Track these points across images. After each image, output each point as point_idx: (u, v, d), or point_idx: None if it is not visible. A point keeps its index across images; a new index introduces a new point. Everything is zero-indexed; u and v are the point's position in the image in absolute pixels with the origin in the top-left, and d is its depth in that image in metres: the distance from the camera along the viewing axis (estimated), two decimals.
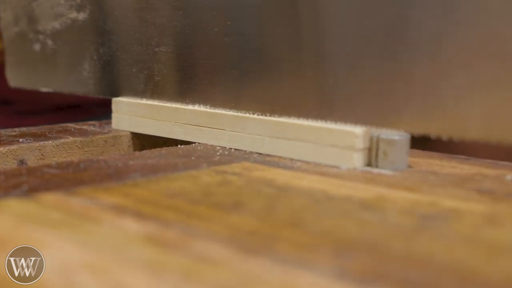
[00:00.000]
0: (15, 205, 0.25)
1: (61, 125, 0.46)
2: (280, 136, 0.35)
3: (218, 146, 0.38)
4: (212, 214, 0.25)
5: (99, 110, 0.65)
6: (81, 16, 0.46)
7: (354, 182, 0.30)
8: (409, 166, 0.33)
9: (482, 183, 0.30)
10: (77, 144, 0.41)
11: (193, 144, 0.39)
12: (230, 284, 0.18)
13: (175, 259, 0.20)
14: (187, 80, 0.40)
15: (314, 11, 0.34)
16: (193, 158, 0.35)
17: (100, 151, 0.42)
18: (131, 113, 0.43)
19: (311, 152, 0.34)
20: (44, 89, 0.50)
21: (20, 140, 0.39)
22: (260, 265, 0.19)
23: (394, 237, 0.22)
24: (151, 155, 0.36)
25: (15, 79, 0.53)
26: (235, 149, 0.37)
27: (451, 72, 0.30)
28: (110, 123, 0.45)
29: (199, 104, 0.40)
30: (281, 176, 0.31)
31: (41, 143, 0.39)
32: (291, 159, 0.35)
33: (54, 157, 0.39)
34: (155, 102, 0.42)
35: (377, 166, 0.33)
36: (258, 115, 0.37)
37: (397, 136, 0.33)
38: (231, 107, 0.38)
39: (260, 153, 0.36)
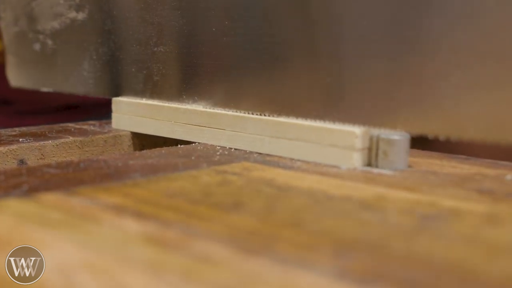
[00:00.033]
0: (15, 205, 0.25)
1: (61, 125, 0.46)
2: (280, 136, 0.35)
3: (218, 146, 0.38)
4: (212, 214, 0.25)
5: (99, 110, 0.65)
6: (80, 16, 0.46)
7: (354, 182, 0.30)
8: (409, 166, 0.33)
9: (482, 183, 0.30)
10: (77, 144, 0.41)
11: (193, 144, 0.39)
12: (230, 284, 0.18)
13: (175, 259, 0.20)
14: (186, 79, 0.40)
15: (314, 11, 0.34)
16: (193, 158, 0.35)
17: (100, 151, 0.42)
18: (131, 113, 0.43)
19: (311, 152, 0.34)
20: (44, 89, 0.50)
21: (20, 140, 0.39)
22: (260, 265, 0.19)
23: (394, 237, 0.22)
24: (151, 155, 0.36)
25: (15, 79, 0.53)
26: (235, 149, 0.37)
27: (449, 71, 0.30)
28: (110, 123, 0.45)
29: (199, 103, 0.40)
30: (281, 176, 0.31)
31: (41, 143, 0.39)
32: (291, 159, 0.35)
33: (54, 157, 0.39)
34: (155, 102, 0.42)
35: (377, 166, 0.33)
36: (258, 115, 0.37)
37: (397, 136, 0.33)
38: (231, 107, 0.38)
39: (260, 153, 0.36)
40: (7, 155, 0.37)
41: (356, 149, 0.33)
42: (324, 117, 0.34)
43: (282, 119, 0.36)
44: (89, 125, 0.46)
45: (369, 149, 0.33)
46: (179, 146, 0.39)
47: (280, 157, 0.35)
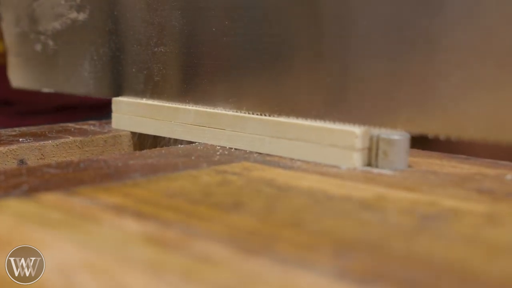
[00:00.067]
0: (15, 205, 0.25)
1: (61, 125, 0.46)
2: (280, 136, 0.35)
3: (218, 146, 0.38)
4: (212, 214, 0.25)
5: (99, 110, 0.65)
6: (81, 16, 0.46)
7: (354, 182, 0.30)
8: (409, 166, 0.33)
9: (482, 183, 0.30)
10: (77, 144, 0.41)
11: (193, 144, 0.39)
12: (230, 284, 0.18)
13: (175, 259, 0.20)
14: (187, 80, 0.40)
15: (314, 11, 0.34)
16: (193, 158, 0.35)
17: (100, 151, 0.42)
18: (131, 113, 0.43)
19: (311, 152, 0.34)
20: (45, 90, 0.50)
21: (20, 140, 0.39)
22: (260, 265, 0.19)
23: (394, 237, 0.22)
24: (151, 155, 0.36)
25: (17, 80, 0.53)
26: (235, 149, 0.37)
27: (449, 71, 0.30)
28: (110, 123, 0.45)
29: (199, 104, 0.40)
30: (281, 176, 0.31)
31: (41, 143, 0.39)
32: (291, 159, 0.35)
33: (54, 157, 0.39)
34: (155, 102, 0.42)
35: (377, 166, 0.33)
36: (258, 115, 0.37)
37: (397, 136, 0.33)
38: (231, 107, 0.38)
39: (260, 153, 0.36)
40: (7, 155, 0.37)
41: (356, 149, 0.33)
42: (325, 117, 0.34)
43: (282, 119, 0.36)
44: (89, 125, 0.46)
45: (369, 149, 0.33)
46: (179, 146, 0.39)
47: (280, 157, 0.35)
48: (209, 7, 0.38)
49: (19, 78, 0.52)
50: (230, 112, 0.38)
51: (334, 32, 0.33)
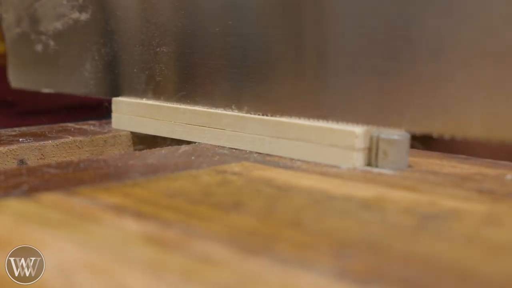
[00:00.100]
0: (15, 205, 0.25)
1: (61, 125, 0.46)
2: (280, 136, 0.35)
3: (218, 146, 0.38)
4: (212, 214, 0.25)
5: (99, 110, 0.65)
6: (83, 16, 0.46)
7: (354, 181, 0.30)
8: (409, 166, 0.33)
9: (482, 183, 0.30)
10: (77, 144, 0.41)
11: (193, 144, 0.39)
12: (230, 284, 0.18)
13: (175, 259, 0.20)
14: (189, 80, 0.40)
15: (314, 11, 0.34)
16: (193, 157, 0.35)
17: (100, 151, 0.42)
18: (131, 113, 0.43)
19: (311, 152, 0.34)
20: (46, 90, 0.50)
21: (20, 139, 0.39)
22: (260, 265, 0.19)
23: (394, 237, 0.22)
24: (151, 155, 0.36)
25: (17, 80, 0.53)
26: (235, 149, 0.37)
27: (453, 71, 0.30)
28: (110, 123, 0.45)
29: (200, 104, 0.40)
30: (281, 175, 0.31)
31: (41, 143, 0.39)
32: (291, 159, 0.35)
33: (54, 157, 0.39)
34: (155, 102, 0.42)
35: (377, 166, 0.33)
36: (258, 115, 0.37)
37: (397, 135, 0.33)
38: (231, 108, 0.38)
39: (260, 153, 0.36)
40: (7, 155, 0.37)
41: (356, 149, 0.33)
42: (326, 117, 0.34)
43: (282, 119, 0.36)
44: (89, 125, 0.46)
45: (369, 149, 0.33)
46: (179, 146, 0.39)
47: (280, 157, 0.35)
48: (211, 7, 0.38)
49: (18, 78, 0.52)
50: (230, 112, 0.38)
51: (338, 32, 0.33)
